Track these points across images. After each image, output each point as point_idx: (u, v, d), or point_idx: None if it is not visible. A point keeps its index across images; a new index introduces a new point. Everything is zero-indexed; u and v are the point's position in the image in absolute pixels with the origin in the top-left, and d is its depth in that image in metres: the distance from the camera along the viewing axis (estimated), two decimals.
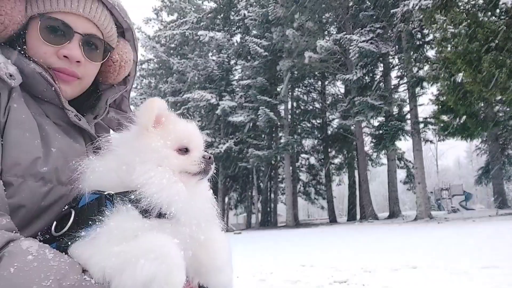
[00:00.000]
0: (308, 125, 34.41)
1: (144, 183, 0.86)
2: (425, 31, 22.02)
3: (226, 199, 36.95)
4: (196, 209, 0.93)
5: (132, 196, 0.86)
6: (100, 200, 0.88)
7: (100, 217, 0.84)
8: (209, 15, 34.18)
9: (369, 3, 25.38)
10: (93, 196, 0.89)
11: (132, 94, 36.96)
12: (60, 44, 1.07)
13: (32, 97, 1.06)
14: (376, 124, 28.06)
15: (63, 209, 0.96)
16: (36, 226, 0.95)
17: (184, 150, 0.98)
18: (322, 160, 35.14)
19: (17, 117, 0.96)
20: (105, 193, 0.89)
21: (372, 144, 29.70)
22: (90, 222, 0.84)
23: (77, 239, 0.84)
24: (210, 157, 1.00)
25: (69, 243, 0.84)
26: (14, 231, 0.84)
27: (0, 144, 0.91)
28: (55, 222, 0.92)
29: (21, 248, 0.79)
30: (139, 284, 0.76)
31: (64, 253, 0.84)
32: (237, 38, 33.87)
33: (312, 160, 37.20)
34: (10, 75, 0.98)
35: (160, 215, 0.87)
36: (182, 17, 36.23)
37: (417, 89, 24.42)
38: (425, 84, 23.03)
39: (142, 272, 0.76)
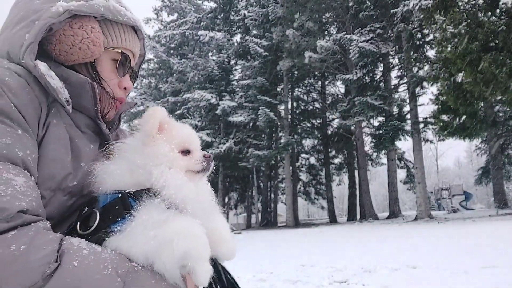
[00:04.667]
0: (308, 125, 34.41)
1: (163, 186, 0.98)
2: (425, 31, 22.00)
3: (226, 199, 36.95)
4: (203, 202, 1.07)
5: (153, 195, 0.97)
6: (123, 198, 0.96)
7: (128, 213, 0.93)
8: (209, 15, 34.20)
9: (369, 3, 25.37)
10: (114, 196, 0.97)
11: (132, 94, 36.98)
12: (122, 77, 1.21)
13: (63, 106, 1.08)
14: (376, 124, 28.06)
15: (83, 211, 1.01)
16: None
17: (187, 152, 1.09)
18: (322, 160, 35.14)
19: (55, 132, 1.01)
20: (126, 191, 0.97)
21: (372, 144, 29.69)
22: (118, 218, 0.94)
23: (111, 234, 0.92)
24: (209, 156, 1.13)
25: (105, 237, 0.92)
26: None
27: (37, 158, 0.94)
28: (78, 223, 0.97)
29: (74, 244, 0.85)
30: (177, 260, 0.89)
31: None
32: (237, 38, 33.86)
33: (312, 160, 37.21)
34: (67, 101, 1.04)
35: (176, 209, 0.99)
36: (182, 17, 36.24)
37: (417, 89, 24.41)
38: (425, 84, 23.02)
39: (179, 249, 0.88)
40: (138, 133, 1.07)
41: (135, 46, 1.23)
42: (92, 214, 0.96)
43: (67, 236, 0.88)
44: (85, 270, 0.81)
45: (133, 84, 1.30)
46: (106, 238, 0.92)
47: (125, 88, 1.22)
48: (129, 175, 1.01)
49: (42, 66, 1.01)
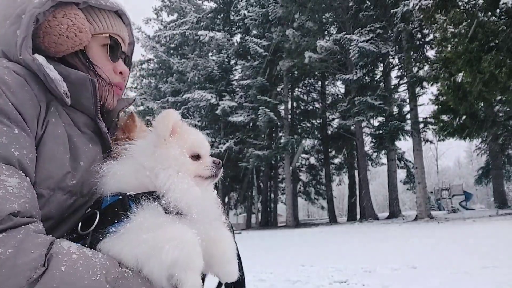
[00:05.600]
0: (308, 125, 34.41)
1: (169, 189, 0.97)
2: (425, 31, 22.03)
3: (226, 199, 36.94)
4: (208, 209, 1.05)
5: (153, 199, 0.96)
6: (123, 201, 0.95)
7: (126, 215, 0.91)
8: (209, 15, 34.20)
9: (369, 3, 25.38)
10: (115, 198, 0.96)
11: (132, 94, 36.98)
12: (116, 61, 1.20)
13: (63, 105, 1.08)
14: (376, 124, 28.06)
15: (87, 211, 1.00)
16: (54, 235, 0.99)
17: (196, 157, 1.09)
18: (322, 160, 35.14)
19: (54, 131, 1.00)
20: (127, 194, 0.96)
21: (372, 144, 29.69)
22: (116, 220, 0.92)
23: (107, 235, 0.91)
24: (219, 162, 1.12)
25: (100, 238, 0.90)
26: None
27: (34, 157, 0.93)
28: (80, 223, 0.97)
29: (63, 248, 0.83)
30: (165, 268, 0.85)
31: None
32: (237, 38, 33.87)
33: (312, 160, 37.21)
34: (66, 93, 1.04)
35: (177, 213, 0.97)
36: (182, 17, 36.24)
37: (417, 89, 24.41)
38: (425, 84, 23.03)
39: (167, 257, 0.85)
40: (149, 135, 1.07)
41: (122, 30, 1.23)
42: (93, 215, 0.95)
43: (58, 239, 0.86)
44: (73, 276, 0.78)
45: (129, 70, 1.29)
46: (101, 239, 0.90)
47: (121, 73, 1.22)
48: (134, 177, 1.00)
49: (40, 58, 1.01)
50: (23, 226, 0.81)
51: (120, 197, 0.96)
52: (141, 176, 1.00)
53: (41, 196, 0.93)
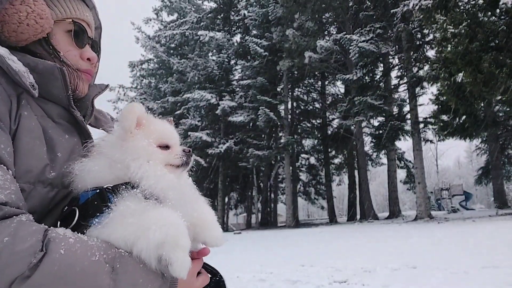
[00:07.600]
0: (308, 125, 34.40)
1: (142, 177, 0.98)
2: (425, 31, 22.00)
3: (226, 199, 36.94)
4: (186, 194, 1.08)
5: (130, 187, 0.98)
6: (101, 194, 0.96)
7: (107, 206, 0.93)
8: (209, 15, 34.18)
9: (369, 3, 25.38)
10: (93, 192, 0.97)
11: (132, 94, 36.93)
12: (82, 48, 1.17)
13: (33, 97, 1.05)
14: (376, 124, 28.06)
15: (64, 209, 0.99)
16: None
17: (166, 147, 1.10)
18: (322, 160, 35.15)
19: (28, 125, 0.98)
20: (105, 187, 0.97)
21: (372, 144, 29.69)
22: (97, 213, 0.93)
23: (91, 226, 0.92)
24: (189, 151, 1.13)
25: (84, 230, 0.91)
26: None
27: (12, 152, 0.92)
28: (59, 222, 0.96)
29: (59, 233, 0.84)
30: (153, 247, 0.88)
31: None
32: (237, 38, 33.86)
33: (312, 160, 37.22)
34: (32, 85, 1.01)
35: (156, 199, 0.99)
36: (182, 17, 36.24)
37: (417, 89, 24.41)
38: (425, 84, 23.02)
39: (155, 237, 0.87)
40: (116, 129, 1.08)
41: (86, 14, 1.19)
42: (72, 212, 0.95)
43: (51, 227, 0.87)
44: (72, 258, 0.80)
45: (98, 56, 1.26)
46: (85, 231, 0.91)
47: (88, 59, 1.18)
48: (108, 171, 1.01)
49: (1, 50, 0.98)
50: (14, 216, 0.82)
51: (98, 190, 0.97)
52: (115, 170, 1.01)
53: (22, 190, 0.92)
